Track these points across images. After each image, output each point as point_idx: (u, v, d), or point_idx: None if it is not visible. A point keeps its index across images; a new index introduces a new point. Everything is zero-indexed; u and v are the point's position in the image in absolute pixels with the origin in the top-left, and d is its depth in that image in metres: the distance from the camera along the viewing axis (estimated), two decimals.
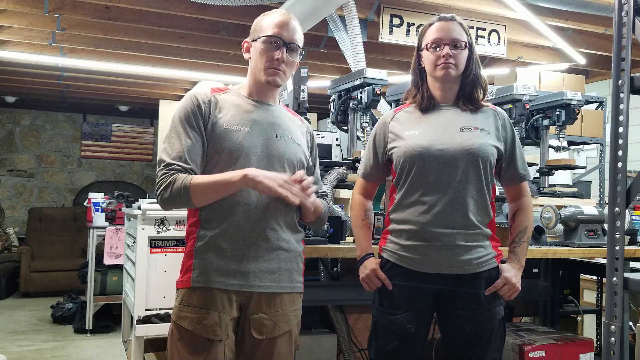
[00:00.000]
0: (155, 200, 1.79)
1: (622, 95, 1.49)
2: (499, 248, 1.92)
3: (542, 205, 2.81)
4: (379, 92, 2.71)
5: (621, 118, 1.49)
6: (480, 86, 1.93)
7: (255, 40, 1.75)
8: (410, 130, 1.89)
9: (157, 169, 1.69)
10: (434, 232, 1.81)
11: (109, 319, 5.24)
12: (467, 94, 1.91)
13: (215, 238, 1.66)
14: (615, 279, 1.48)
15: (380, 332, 1.90)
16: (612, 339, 1.46)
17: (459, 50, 1.85)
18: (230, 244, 1.65)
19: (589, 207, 2.78)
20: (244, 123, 1.72)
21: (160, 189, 1.65)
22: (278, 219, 1.71)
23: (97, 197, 5.29)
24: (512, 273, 1.87)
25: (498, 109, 1.98)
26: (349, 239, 2.40)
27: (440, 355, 1.98)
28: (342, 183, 2.73)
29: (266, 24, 1.74)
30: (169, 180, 1.63)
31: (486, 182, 1.85)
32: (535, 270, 3.19)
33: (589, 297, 4.33)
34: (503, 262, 1.92)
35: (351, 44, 3.84)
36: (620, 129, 1.49)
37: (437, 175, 1.82)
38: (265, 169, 1.68)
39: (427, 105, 1.92)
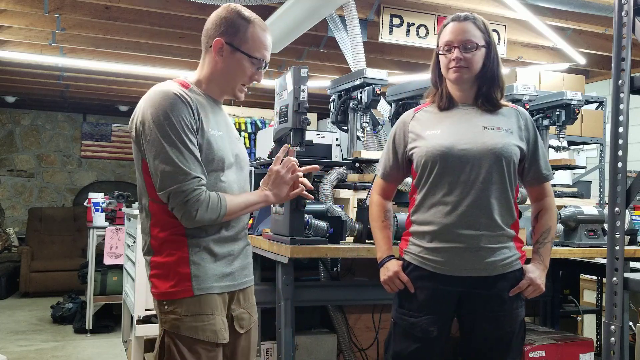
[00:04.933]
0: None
1: (622, 95, 1.49)
2: (523, 249, 1.89)
3: None
4: (379, 92, 2.70)
5: (621, 118, 1.49)
6: (498, 86, 1.88)
7: (240, 51, 1.65)
8: (432, 130, 1.87)
9: (186, 182, 1.51)
10: (458, 234, 1.79)
11: (109, 319, 5.25)
12: (485, 93, 1.87)
13: (208, 243, 1.62)
14: (615, 279, 1.47)
15: (399, 335, 1.88)
16: (612, 339, 1.46)
17: (470, 52, 1.81)
18: (221, 247, 1.64)
19: (589, 207, 2.78)
20: (218, 127, 1.65)
21: (197, 207, 1.53)
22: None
23: (97, 197, 5.30)
24: (537, 274, 1.85)
25: (520, 108, 1.94)
26: (349, 239, 2.40)
27: (459, 356, 1.96)
28: (342, 183, 2.73)
29: (256, 40, 1.65)
30: (204, 197, 1.54)
31: (510, 182, 1.83)
32: None
33: (589, 297, 4.33)
34: (527, 262, 1.89)
35: (351, 44, 3.84)
36: (620, 129, 1.48)
37: (460, 175, 1.79)
38: (237, 174, 1.69)
39: (446, 104, 1.89)
